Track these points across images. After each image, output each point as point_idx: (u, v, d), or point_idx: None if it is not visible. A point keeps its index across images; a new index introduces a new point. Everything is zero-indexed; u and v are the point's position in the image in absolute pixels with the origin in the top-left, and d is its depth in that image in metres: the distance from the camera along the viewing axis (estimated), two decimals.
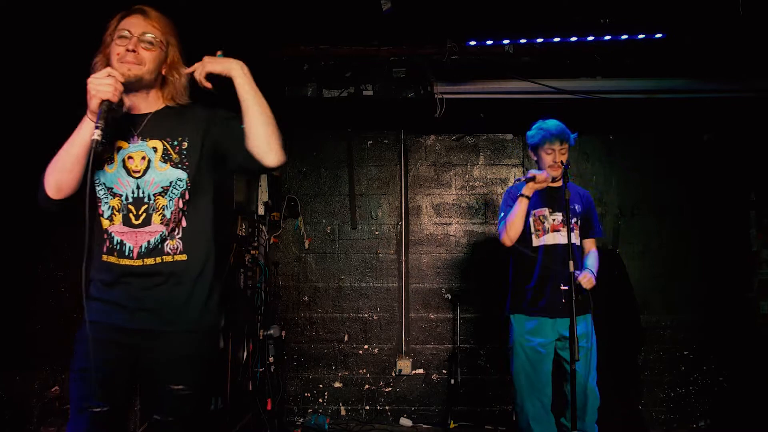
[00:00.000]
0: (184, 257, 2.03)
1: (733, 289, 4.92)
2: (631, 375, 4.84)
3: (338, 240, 5.12)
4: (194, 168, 2.06)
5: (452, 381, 4.78)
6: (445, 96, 4.47)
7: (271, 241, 5.03)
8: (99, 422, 1.94)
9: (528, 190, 3.34)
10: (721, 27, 3.87)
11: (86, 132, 1.86)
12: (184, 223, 2.06)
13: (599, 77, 4.43)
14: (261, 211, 4.77)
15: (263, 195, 4.79)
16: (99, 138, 1.77)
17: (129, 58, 1.96)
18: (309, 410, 4.92)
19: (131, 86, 1.99)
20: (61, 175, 1.93)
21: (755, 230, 4.94)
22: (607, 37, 3.88)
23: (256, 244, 4.46)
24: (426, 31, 4.22)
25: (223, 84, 2.07)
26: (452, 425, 4.68)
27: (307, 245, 5.10)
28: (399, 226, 5.10)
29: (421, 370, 4.97)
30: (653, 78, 4.30)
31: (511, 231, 3.38)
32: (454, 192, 5.14)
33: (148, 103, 2.09)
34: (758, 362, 4.78)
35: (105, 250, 2.02)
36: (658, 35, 3.85)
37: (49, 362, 4.40)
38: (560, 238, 3.34)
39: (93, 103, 1.83)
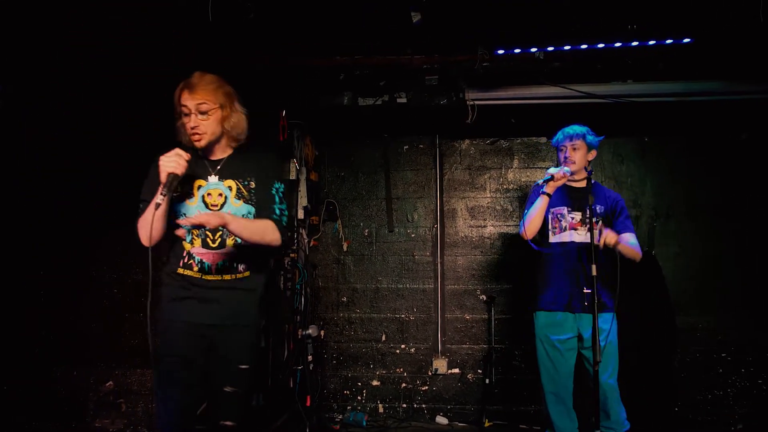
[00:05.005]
0: (248, 273, 2.60)
1: None
2: (666, 376, 4.85)
3: (375, 242, 5.28)
4: (257, 203, 2.61)
5: (487, 381, 4.87)
6: (476, 102, 4.59)
7: (311, 244, 5.22)
8: (180, 404, 2.49)
9: (549, 188, 3.49)
10: (749, 29, 3.87)
11: (163, 203, 2.39)
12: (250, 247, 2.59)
13: (630, 81, 4.48)
14: (301, 215, 4.97)
15: (302, 200, 4.99)
16: (161, 203, 2.35)
17: (195, 132, 2.52)
18: (348, 407, 5.10)
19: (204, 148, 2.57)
20: (146, 231, 2.42)
21: None
22: (635, 43, 3.92)
23: (295, 247, 4.65)
24: (457, 39, 4.32)
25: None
26: (487, 424, 4.79)
27: (345, 248, 5.27)
28: (435, 229, 5.23)
29: (456, 370, 5.09)
30: (684, 81, 4.33)
31: (529, 225, 3.56)
32: (488, 195, 5.24)
33: (220, 150, 2.64)
34: None
35: (182, 264, 2.56)
36: (686, 39, 3.86)
37: (104, 359, 4.71)
38: (576, 236, 3.47)
39: (162, 176, 2.36)
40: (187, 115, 2.51)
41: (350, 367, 5.16)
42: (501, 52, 4.14)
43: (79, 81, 4.36)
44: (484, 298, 5.07)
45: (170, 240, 2.59)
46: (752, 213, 4.94)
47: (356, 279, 5.25)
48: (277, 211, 2.63)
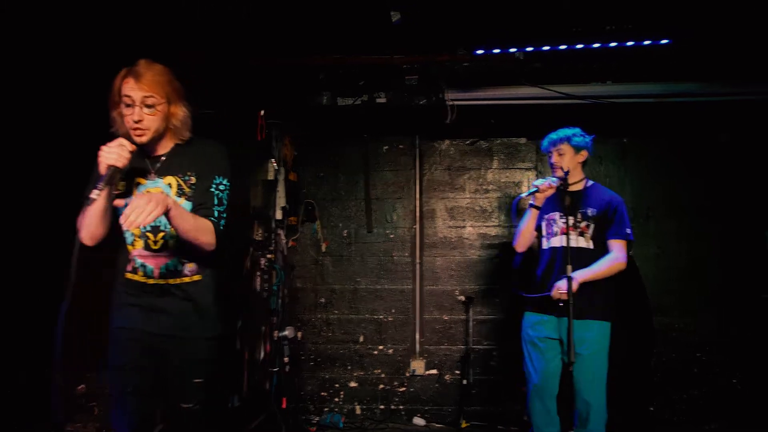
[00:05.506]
0: (198, 277, 2.41)
1: (747, 290, 4.91)
2: (643, 376, 4.86)
3: (354, 243, 5.24)
4: (195, 198, 2.40)
5: (465, 381, 4.86)
6: (456, 103, 4.57)
7: (289, 245, 5.17)
8: (136, 408, 2.36)
9: (537, 200, 3.50)
10: (730, 30, 3.89)
11: (100, 198, 2.17)
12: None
13: (610, 82, 4.48)
14: (279, 215, 4.93)
15: (281, 200, 4.95)
16: (96, 197, 2.11)
17: (137, 127, 2.28)
18: (325, 409, 5.06)
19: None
20: (89, 229, 2.29)
21: None
22: (613, 44, 3.92)
23: (272, 248, 4.60)
24: (437, 39, 4.29)
25: None
26: (464, 424, 4.78)
27: (324, 248, 5.23)
28: (414, 230, 5.21)
29: (434, 371, 5.07)
30: (663, 82, 4.34)
31: (520, 240, 3.62)
32: (467, 196, 5.23)
33: (161, 146, 2.43)
34: None
35: (129, 269, 2.40)
36: (665, 41, 3.87)
37: (76, 362, 4.61)
38: (566, 241, 3.36)
39: (102, 168, 2.15)
40: (129, 106, 2.28)
41: (328, 369, 5.12)
42: (480, 52, 4.12)
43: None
44: (463, 299, 5.06)
45: (118, 244, 2.44)
46: (732, 214, 4.97)
47: (335, 280, 5.21)
48: (216, 213, 2.39)
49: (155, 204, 2.05)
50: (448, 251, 5.19)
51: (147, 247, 2.37)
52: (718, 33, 3.86)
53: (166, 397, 2.39)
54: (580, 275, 3.27)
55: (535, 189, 3.47)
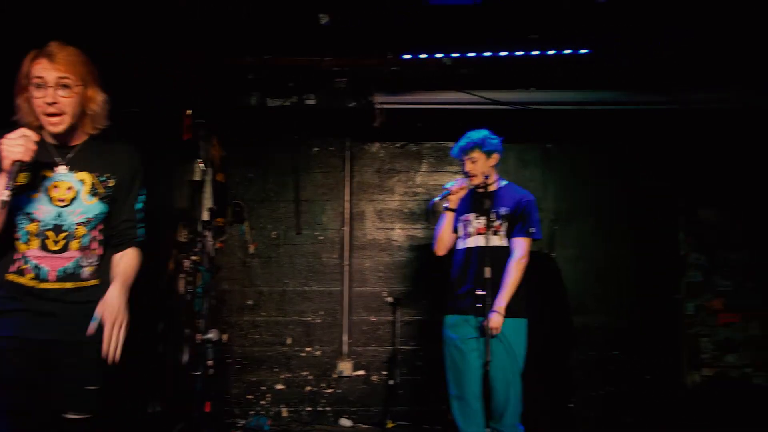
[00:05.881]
0: (97, 281, 2.21)
1: (662, 291, 5.16)
2: (562, 375, 5.04)
3: (283, 245, 5.21)
4: (118, 215, 2.26)
5: (391, 382, 4.92)
6: (384, 106, 4.63)
7: (216, 246, 5.09)
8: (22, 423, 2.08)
9: (451, 203, 3.53)
10: (646, 42, 4.08)
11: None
12: (100, 251, 2.24)
13: (533, 89, 4.63)
14: (206, 216, 4.85)
15: (208, 201, 4.88)
16: (8, 199, 1.90)
17: (51, 110, 2.06)
18: (251, 412, 5.01)
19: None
20: None
21: (684, 235, 5.19)
22: (536, 52, 4.06)
23: (197, 249, 4.53)
24: (366, 43, 4.33)
25: None
26: (390, 425, 4.83)
27: (252, 250, 5.18)
28: (343, 231, 5.22)
29: (362, 372, 5.10)
30: (582, 90, 4.52)
31: (439, 243, 3.67)
32: (397, 198, 5.28)
33: (73, 136, 2.19)
34: (682, 361, 5.05)
35: (14, 270, 2.13)
36: (584, 51, 4.03)
37: None
38: (482, 240, 3.44)
39: (6, 163, 1.94)
40: (40, 87, 2.04)
41: (254, 372, 5.08)
42: (408, 56, 4.18)
43: None
44: (390, 300, 5.11)
45: (7, 244, 2.15)
46: (647, 218, 5.21)
47: (262, 282, 5.17)
48: (140, 233, 2.30)
49: (120, 320, 2.06)
50: (377, 253, 5.23)
51: (44, 247, 2.13)
52: (635, 44, 4.05)
53: (55, 410, 2.13)
54: (502, 302, 3.32)
55: (447, 192, 3.50)
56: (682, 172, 5.18)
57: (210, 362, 4.41)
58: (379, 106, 4.61)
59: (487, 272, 3.26)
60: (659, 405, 5.05)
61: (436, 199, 3.60)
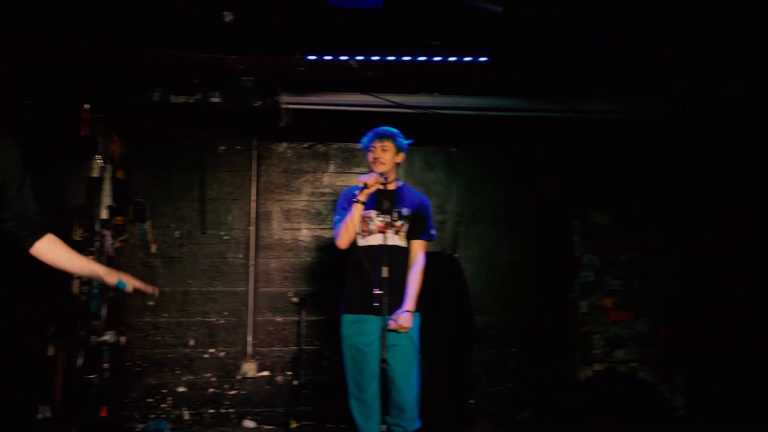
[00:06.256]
0: None
1: (557, 290, 5.41)
2: (463, 372, 5.18)
3: (187, 244, 5.12)
4: (19, 214, 2.18)
5: (295, 382, 4.92)
6: (290, 106, 4.63)
7: (116, 246, 4.94)
8: None
9: (363, 195, 3.47)
10: (542, 52, 4.26)
11: None
12: None
13: (437, 94, 4.75)
14: (104, 215, 4.70)
15: (107, 199, 4.73)
16: None
17: None
18: (151, 416, 4.89)
19: None
20: None
21: (578, 237, 5.46)
22: (438, 58, 4.16)
23: (93, 248, 4.38)
24: (273, 42, 4.32)
25: None
26: (294, 425, 4.83)
27: (154, 249, 5.05)
28: (249, 231, 5.18)
29: (266, 372, 5.07)
30: (483, 96, 4.67)
31: (345, 235, 3.54)
32: (304, 198, 5.29)
33: None
34: (576, 357, 5.32)
35: None
36: (483, 58, 4.17)
37: None
38: (382, 239, 3.46)
39: None
40: None
41: (155, 374, 4.96)
42: (312, 57, 4.20)
43: None
44: (296, 300, 5.11)
45: None
46: (545, 222, 5.45)
47: (165, 282, 5.04)
48: (44, 228, 2.28)
49: None
50: (283, 253, 5.22)
51: None
52: (531, 54, 4.22)
53: None
54: (411, 305, 3.42)
55: (364, 186, 3.45)
56: (577, 178, 5.46)
57: (106, 365, 4.28)
58: (285, 106, 4.61)
59: (385, 272, 3.29)
60: (555, 399, 5.29)
61: (356, 192, 3.54)
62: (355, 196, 3.49)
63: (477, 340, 5.27)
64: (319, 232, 5.26)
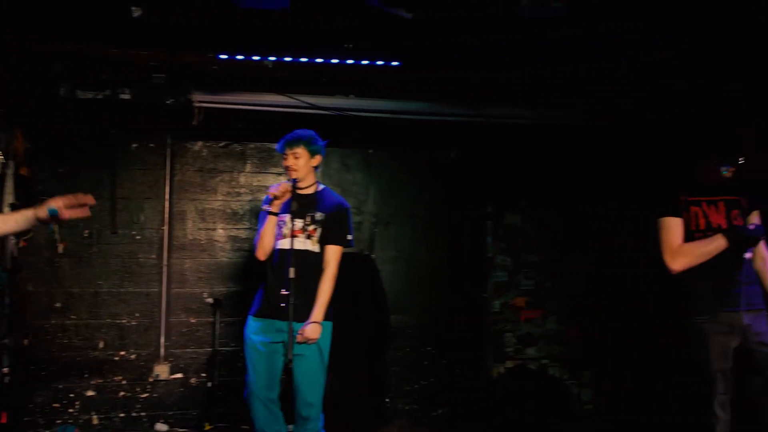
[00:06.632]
0: None
1: (471, 290, 5.54)
2: (380, 371, 5.24)
3: (97, 244, 4.97)
4: None
5: (209, 384, 4.87)
6: (203, 105, 4.58)
7: (20, 245, 4.76)
8: None
9: (275, 207, 3.49)
10: (452, 58, 4.36)
11: None
12: None
13: (352, 96, 4.79)
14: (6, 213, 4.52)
15: (8, 197, 4.54)
16: None
17: None
18: (58, 421, 4.74)
19: None
20: None
21: (491, 238, 5.60)
22: (350, 61, 4.20)
23: None
24: (187, 39, 4.25)
25: None
26: (207, 427, 4.77)
27: (61, 249, 4.89)
28: (162, 231, 5.08)
29: (180, 375, 5.00)
30: (398, 100, 4.75)
31: (260, 247, 3.57)
32: (219, 198, 5.23)
33: None
34: (489, 355, 5.46)
35: None
36: (395, 63, 4.23)
37: None
38: (297, 243, 3.45)
39: None
40: None
41: (62, 378, 4.80)
42: (224, 56, 4.17)
43: None
44: (211, 301, 5.05)
45: None
46: (460, 223, 5.57)
47: (73, 283, 4.90)
48: None
49: None
50: (198, 253, 5.15)
51: None
52: (441, 59, 4.32)
53: None
54: (320, 314, 3.41)
55: (272, 197, 3.47)
56: (490, 180, 5.60)
57: (5, 369, 4.12)
58: (198, 104, 4.55)
59: (292, 272, 3.29)
60: (469, 396, 5.41)
61: (264, 205, 3.54)
62: (267, 207, 3.52)
63: (393, 340, 5.34)
64: (234, 233, 5.21)
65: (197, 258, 5.14)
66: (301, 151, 3.56)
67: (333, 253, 3.54)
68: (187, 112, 4.62)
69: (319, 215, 3.55)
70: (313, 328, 3.37)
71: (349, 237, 3.61)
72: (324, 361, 3.53)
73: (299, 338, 3.34)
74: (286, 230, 3.53)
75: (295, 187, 3.51)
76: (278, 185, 3.52)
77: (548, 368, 5.60)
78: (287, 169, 3.59)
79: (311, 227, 3.53)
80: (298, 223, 3.51)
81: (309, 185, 3.62)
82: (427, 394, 5.38)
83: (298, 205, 3.51)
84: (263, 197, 5.08)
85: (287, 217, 3.54)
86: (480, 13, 3.68)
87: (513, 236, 5.62)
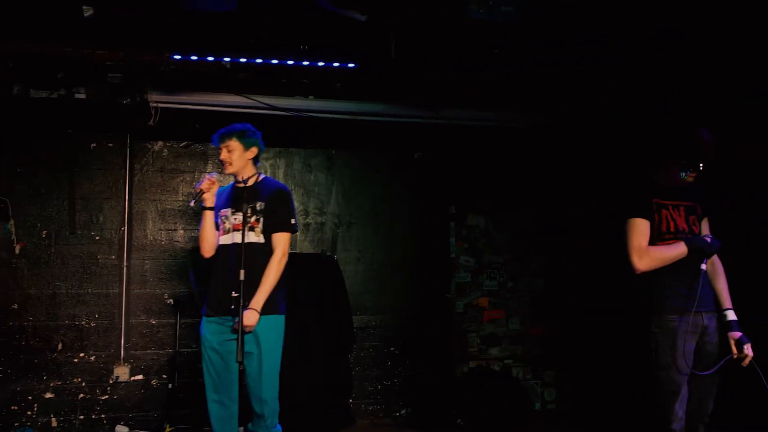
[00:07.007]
0: None
1: (435, 290, 5.56)
2: (343, 372, 5.23)
3: (55, 245, 4.93)
4: None
5: (170, 385, 4.84)
6: (160, 105, 4.54)
7: None
8: None
9: (207, 201, 3.49)
10: (412, 59, 4.34)
11: None
12: None
13: (312, 97, 4.77)
14: None
15: None
16: None
17: None
18: (15, 424, 4.70)
19: None
20: None
21: (455, 239, 5.62)
22: (306, 63, 4.17)
23: None
24: (142, 39, 4.20)
25: None
26: (168, 429, 4.75)
27: (17, 250, 4.84)
28: (122, 232, 5.04)
29: (140, 376, 4.97)
30: (357, 101, 4.73)
31: (203, 244, 3.57)
32: (181, 198, 5.19)
33: None
34: (453, 355, 5.47)
35: None
36: (351, 65, 4.21)
37: None
38: (237, 237, 3.41)
39: None
40: None
41: (19, 381, 4.75)
42: (178, 57, 4.13)
43: None
44: (172, 302, 5.03)
45: None
46: (424, 224, 5.57)
47: (30, 284, 4.85)
48: None
49: None
50: (159, 254, 5.12)
51: None
52: (397, 61, 4.29)
53: None
54: (260, 300, 3.33)
55: (200, 192, 3.46)
56: (454, 182, 5.61)
57: None
58: (154, 104, 4.51)
59: (242, 275, 3.27)
60: (432, 396, 5.43)
61: (192, 202, 3.55)
62: (200, 204, 3.51)
63: (357, 340, 5.33)
64: (196, 233, 5.16)
65: (158, 259, 5.10)
66: (234, 143, 3.51)
67: (277, 240, 3.46)
68: (145, 112, 4.58)
69: (259, 205, 3.49)
70: (249, 315, 3.27)
71: (293, 221, 3.54)
72: (275, 356, 3.46)
73: (235, 325, 3.27)
74: (228, 225, 3.51)
75: (236, 180, 3.51)
76: (203, 180, 3.52)
77: (511, 368, 5.63)
78: (222, 162, 3.54)
79: (252, 218, 3.46)
80: (239, 217, 3.45)
81: (249, 177, 3.55)
82: (390, 395, 5.39)
83: (239, 197, 3.48)
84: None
85: (229, 211, 3.52)
86: (432, 15, 3.67)
87: (476, 237, 5.64)
